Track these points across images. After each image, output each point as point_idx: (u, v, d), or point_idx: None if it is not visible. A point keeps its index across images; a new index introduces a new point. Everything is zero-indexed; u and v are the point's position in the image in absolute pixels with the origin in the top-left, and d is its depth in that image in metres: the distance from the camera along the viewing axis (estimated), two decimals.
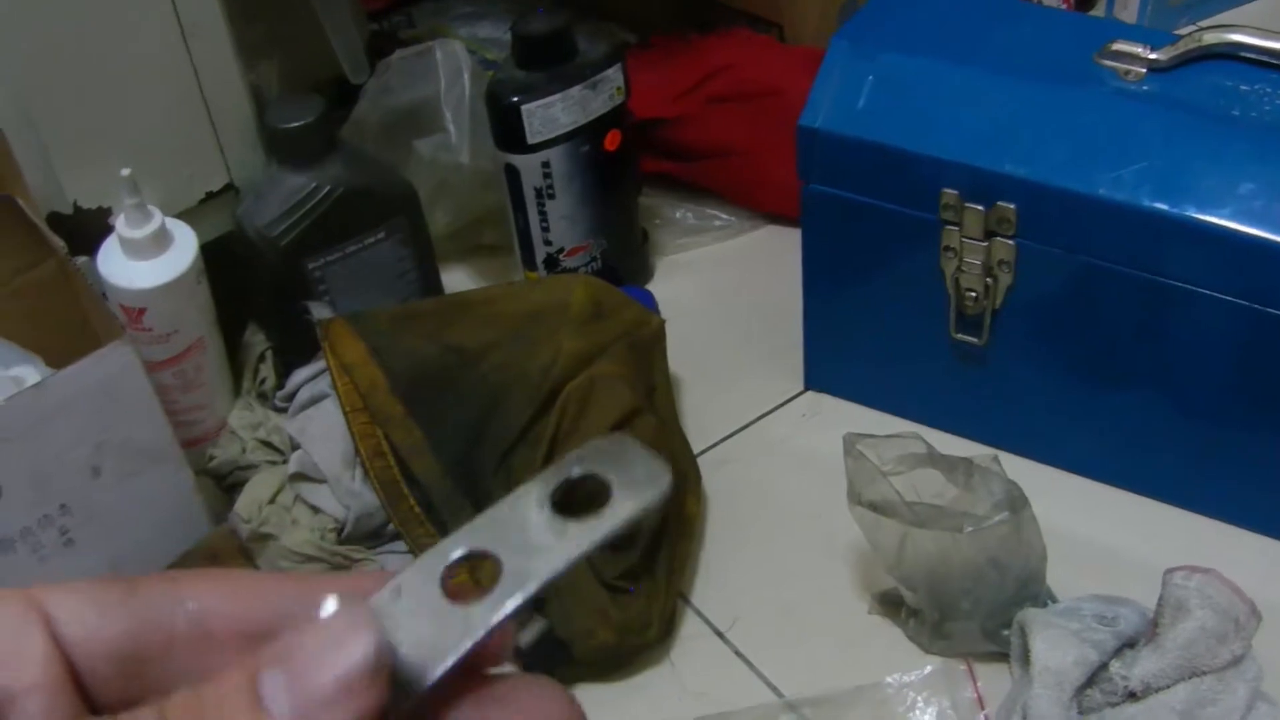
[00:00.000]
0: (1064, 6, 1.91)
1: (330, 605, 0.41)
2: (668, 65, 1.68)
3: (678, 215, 1.67)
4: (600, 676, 1.23)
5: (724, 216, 1.67)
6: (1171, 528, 1.30)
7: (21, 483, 1.18)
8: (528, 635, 1.18)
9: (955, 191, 1.22)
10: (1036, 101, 1.22)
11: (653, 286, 1.59)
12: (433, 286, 1.48)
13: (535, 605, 1.18)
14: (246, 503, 1.32)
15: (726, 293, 1.60)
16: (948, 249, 1.25)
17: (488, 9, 1.79)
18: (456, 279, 1.60)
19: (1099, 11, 1.96)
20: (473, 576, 0.45)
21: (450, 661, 0.42)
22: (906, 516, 1.15)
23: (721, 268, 1.64)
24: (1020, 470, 1.21)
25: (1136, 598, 1.14)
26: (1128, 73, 1.22)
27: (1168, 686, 1.07)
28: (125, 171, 1.25)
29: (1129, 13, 1.92)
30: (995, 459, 1.17)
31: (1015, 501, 1.13)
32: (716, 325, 1.55)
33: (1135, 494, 1.33)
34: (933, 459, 1.18)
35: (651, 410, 1.27)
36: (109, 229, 1.30)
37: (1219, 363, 1.21)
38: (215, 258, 1.35)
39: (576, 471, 0.45)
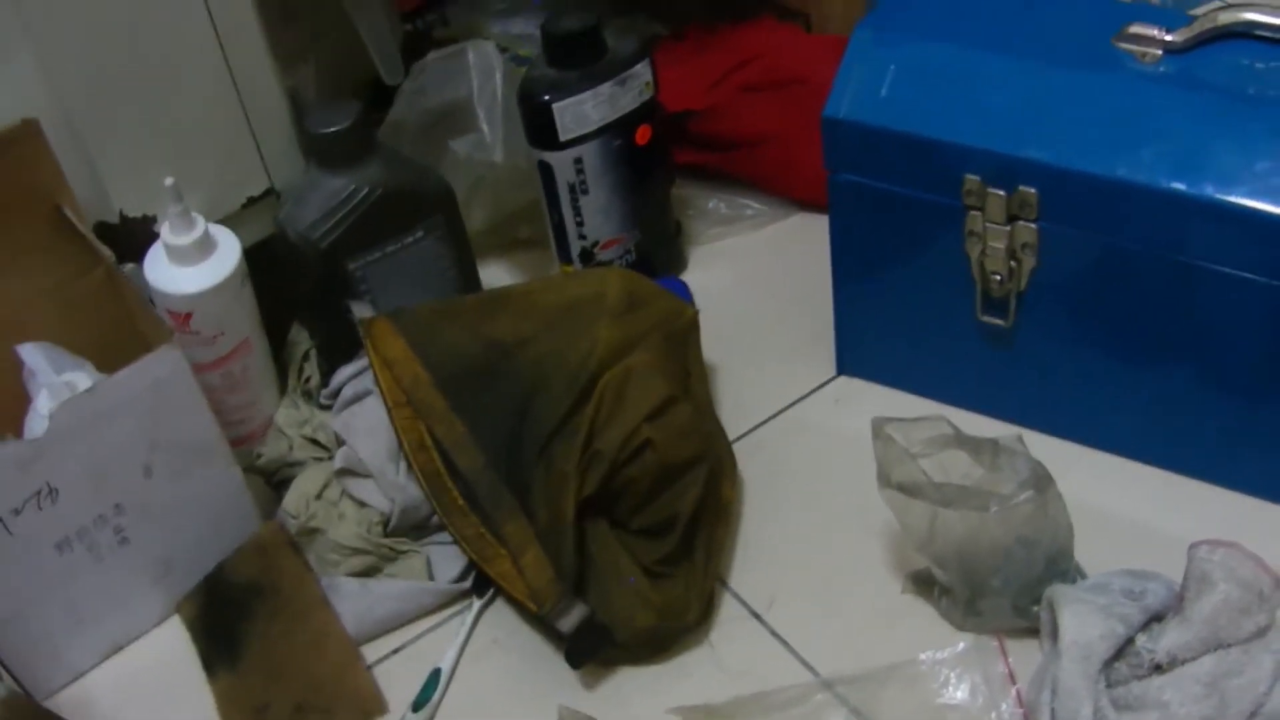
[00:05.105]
0: None
1: None
2: (698, 57, 1.70)
3: (710, 205, 1.69)
4: (641, 659, 1.25)
5: (756, 205, 1.69)
6: (1199, 503, 1.31)
7: (78, 484, 1.22)
8: (570, 620, 1.20)
9: (977, 177, 1.24)
10: (1055, 86, 1.24)
11: (687, 276, 1.62)
12: (471, 283, 1.50)
13: (576, 590, 1.22)
14: (294, 498, 1.35)
15: (759, 281, 1.62)
16: (971, 233, 1.27)
17: (520, 5, 1.81)
18: (494, 274, 1.63)
19: None
20: None
21: None
22: (934, 497, 1.17)
23: (754, 256, 1.65)
24: (1049, 448, 1.23)
25: (1164, 572, 1.16)
26: (1145, 55, 1.24)
27: (1193, 658, 1.08)
28: (169, 181, 1.28)
29: None
30: (1019, 439, 1.19)
31: (1040, 480, 1.15)
32: (750, 313, 1.57)
33: (1163, 470, 1.34)
34: (959, 440, 1.20)
35: (687, 397, 1.29)
36: (154, 236, 1.33)
37: (1242, 340, 1.22)
38: (258, 260, 1.38)
39: None
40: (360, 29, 1.54)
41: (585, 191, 1.49)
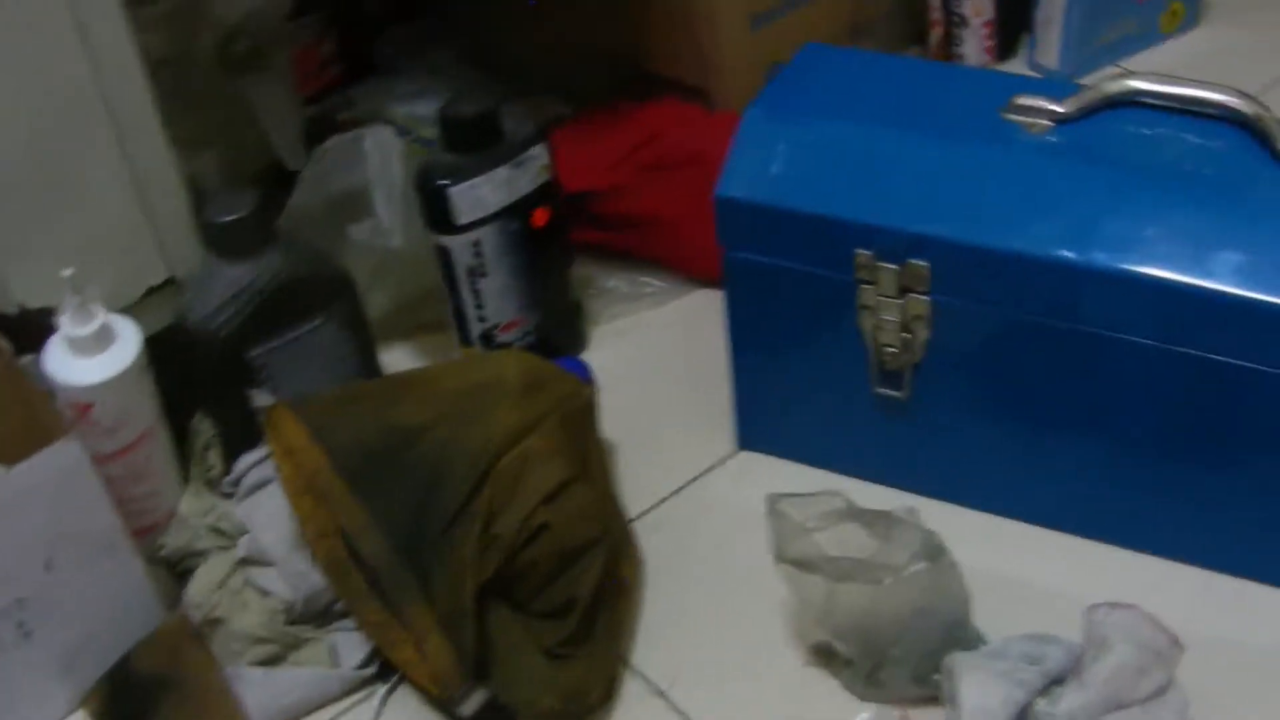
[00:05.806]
0: (986, 54, 1.95)
1: None
2: (600, 136, 1.71)
3: (610, 284, 1.70)
4: None
5: (655, 283, 1.70)
6: (1100, 564, 1.33)
7: None
8: (471, 705, 1.20)
9: (869, 252, 1.25)
10: (944, 160, 1.25)
11: (587, 355, 1.62)
12: (372, 368, 1.51)
13: (479, 674, 1.21)
14: (198, 589, 1.34)
15: (659, 358, 1.62)
16: (864, 307, 1.28)
17: (427, 88, 1.82)
18: (397, 358, 1.63)
19: (1020, 56, 1.99)
20: None
21: None
22: (830, 571, 1.17)
23: (655, 334, 1.66)
24: (951, 517, 1.25)
25: (1067, 635, 1.17)
26: (1034, 126, 1.26)
27: None
28: (67, 272, 1.27)
29: (1050, 56, 1.95)
30: (912, 511, 1.20)
31: (932, 550, 1.16)
32: (650, 390, 1.58)
33: (1064, 533, 1.35)
34: (853, 514, 1.20)
35: (585, 479, 1.29)
36: (53, 328, 1.33)
37: (1138, 403, 1.24)
38: (160, 349, 1.37)
39: None
40: (259, 115, 1.55)
41: (484, 274, 1.49)
